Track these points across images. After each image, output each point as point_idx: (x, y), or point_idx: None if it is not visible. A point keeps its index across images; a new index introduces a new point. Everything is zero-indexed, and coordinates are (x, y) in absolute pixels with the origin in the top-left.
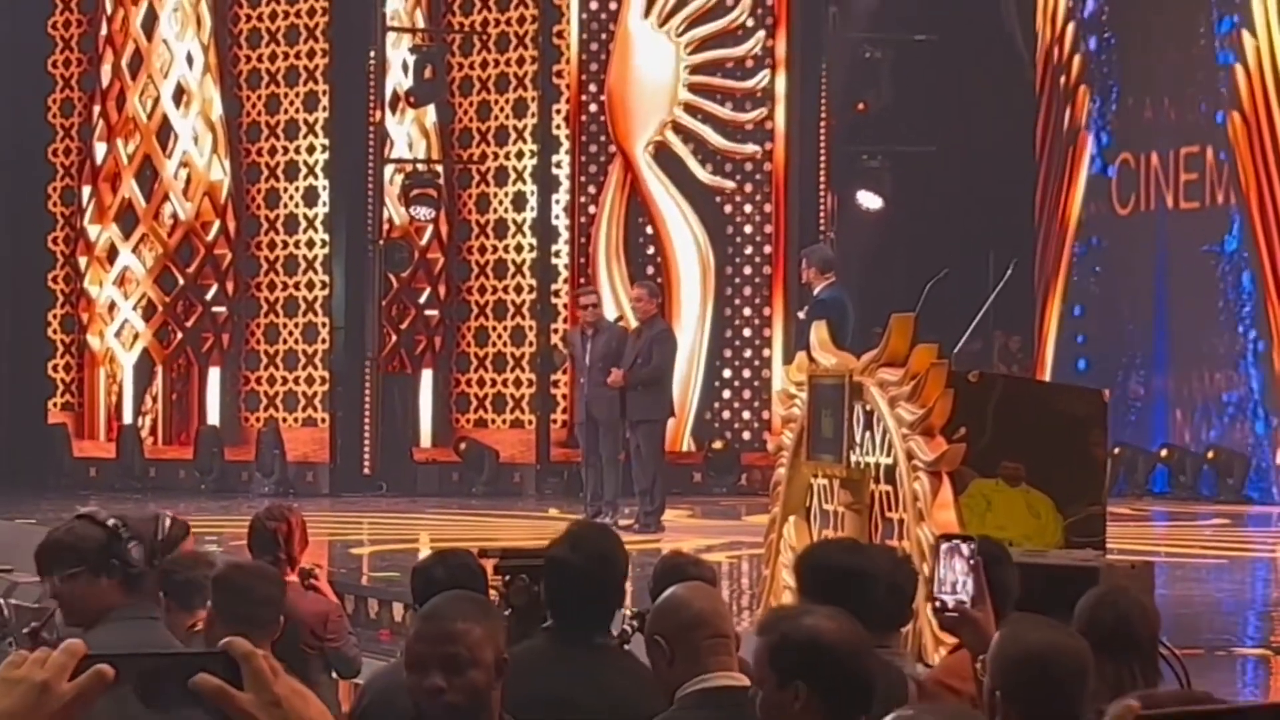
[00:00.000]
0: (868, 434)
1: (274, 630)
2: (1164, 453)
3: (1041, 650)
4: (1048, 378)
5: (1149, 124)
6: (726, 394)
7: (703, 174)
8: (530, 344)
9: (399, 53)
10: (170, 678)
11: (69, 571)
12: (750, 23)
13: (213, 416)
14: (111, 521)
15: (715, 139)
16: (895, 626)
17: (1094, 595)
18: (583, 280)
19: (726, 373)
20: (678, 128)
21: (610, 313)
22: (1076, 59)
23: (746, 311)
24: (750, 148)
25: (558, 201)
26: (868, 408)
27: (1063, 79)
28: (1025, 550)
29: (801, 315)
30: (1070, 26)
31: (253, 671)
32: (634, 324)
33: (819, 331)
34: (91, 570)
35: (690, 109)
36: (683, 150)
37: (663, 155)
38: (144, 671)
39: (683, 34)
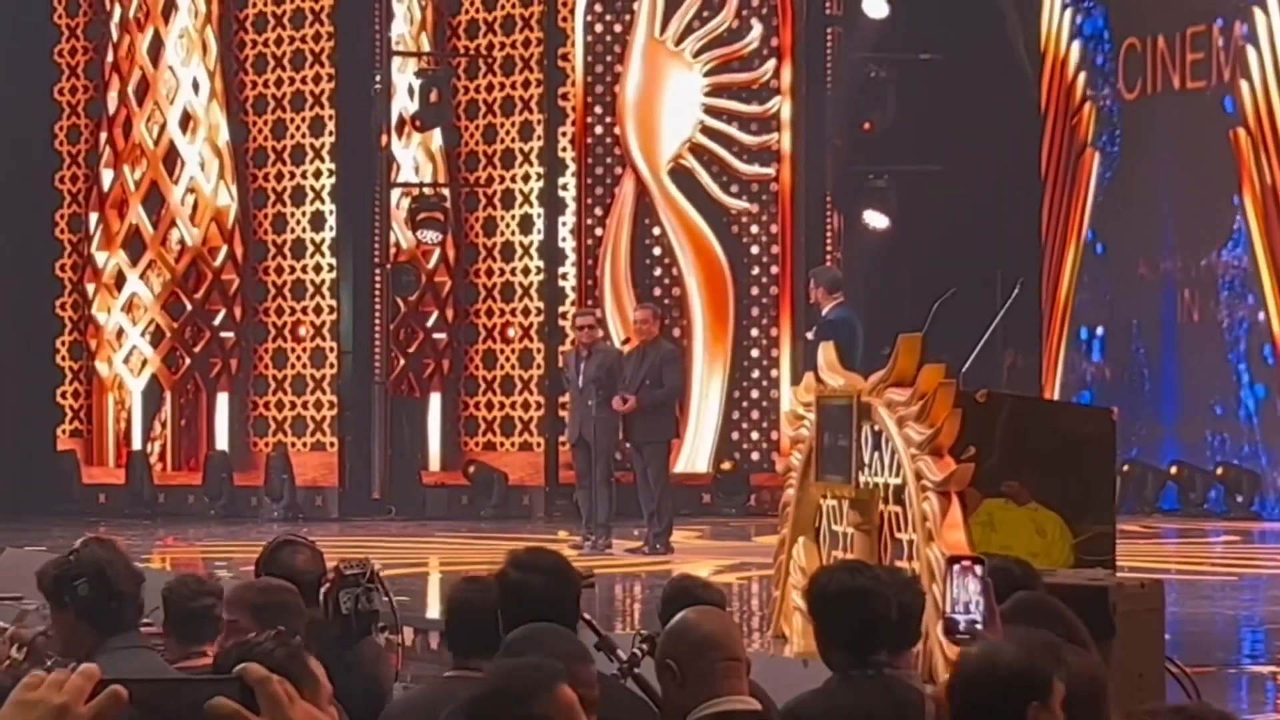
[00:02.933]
0: (876, 454)
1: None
2: (1174, 470)
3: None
4: (1055, 396)
5: (1154, 136)
6: (735, 415)
7: (723, 195)
8: (538, 366)
9: (405, 77)
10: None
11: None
12: (759, 47)
13: (221, 442)
14: (70, 556)
15: (729, 160)
16: (906, 646)
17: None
18: (589, 302)
19: (735, 394)
20: (695, 149)
21: (617, 334)
22: (1081, 76)
23: (754, 332)
24: (761, 169)
25: (564, 224)
26: (876, 428)
27: (1067, 97)
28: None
29: (809, 336)
30: (1075, 44)
31: (268, 696)
32: (633, 345)
33: (827, 352)
34: (54, 605)
35: (707, 131)
36: (701, 171)
37: (680, 176)
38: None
39: (697, 55)
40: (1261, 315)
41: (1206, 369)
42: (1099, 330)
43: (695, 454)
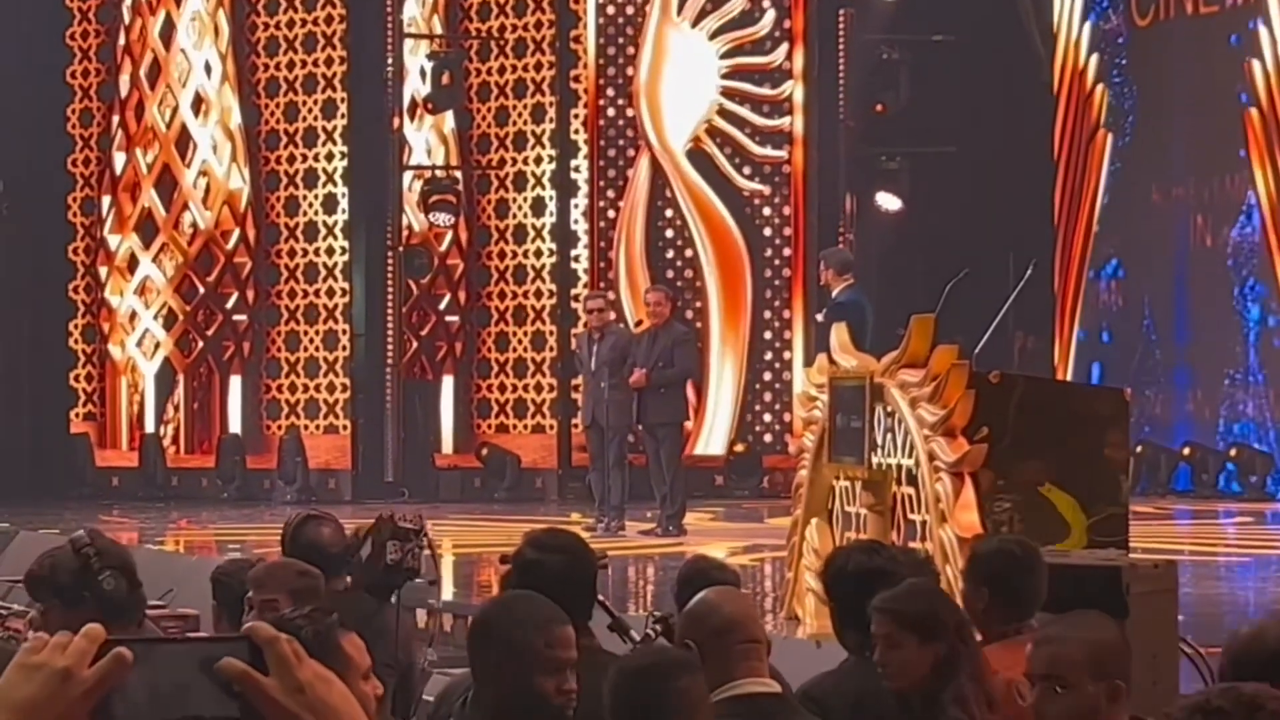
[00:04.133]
0: (889, 436)
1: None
2: (1186, 451)
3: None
4: (1068, 377)
5: (1167, 124)
6: (748, 396)
7: (736, 177)
8: (551, 349)
9: (416, 59)
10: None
11: (46, 605)
12: (773, 30)
13: (234, 425)
14: (87, 550)
15: (744, 141)
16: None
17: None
18: (603, 284)
19: (748, 375)
20: (712, 131)
21: (631, 316)
22: (1094, 58)
23: (767, 314)
24: (774, 151)
25: (576, 206)
26: (889, 409)
27: (1080, 77)
28: (1048, 550)
29: (820, 318)
30: (1087, 26)
31: (277, 656)
32: (645, 327)
33: (839, 334)
34: (65, 604)
35: (723, 113)
36: (717, 153)
37: (697, 157)
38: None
39: (714, 37)
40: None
41: (1220, 349)
42: (1111, 311)
43: (711, 436)
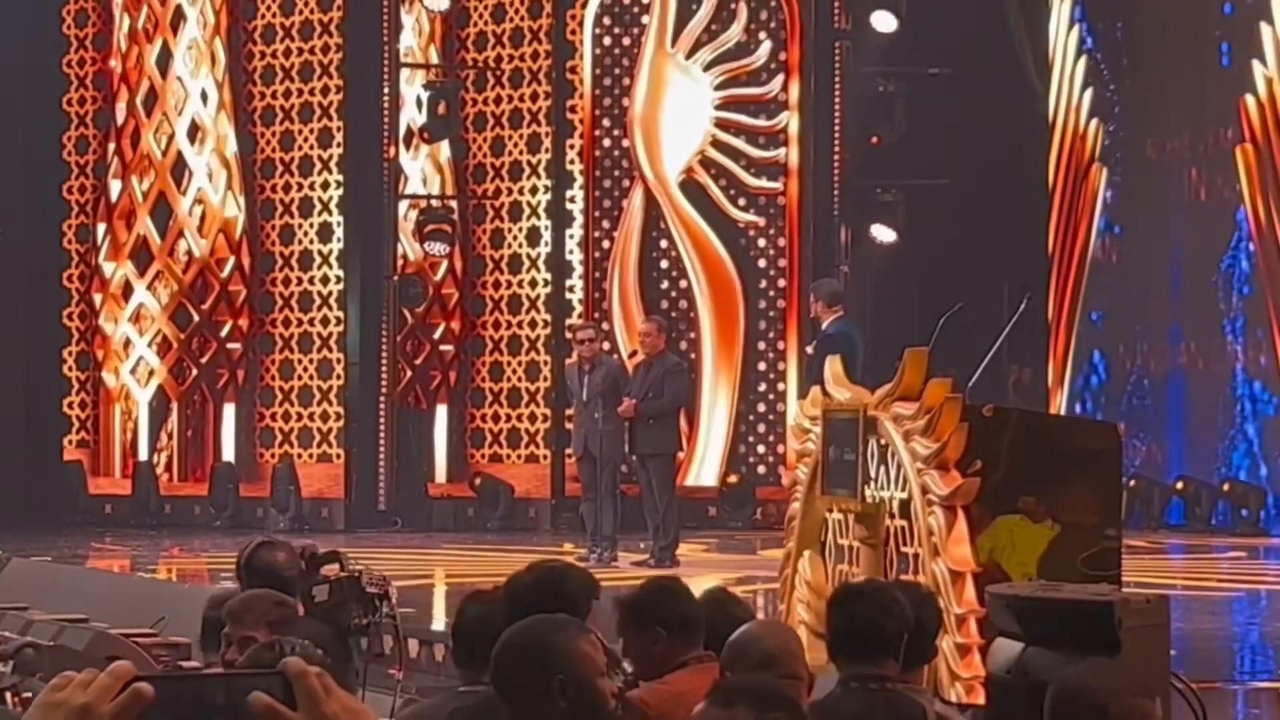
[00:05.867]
0: (882, 468)
1: None
2: (1179, 485)
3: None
4: (1061, 410)
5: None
6: (741, 428)
7: (731, 208)
8: (545, 379)
9: (413, 89)
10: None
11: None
12: (769, 62)
13: (228, 453)
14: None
15: (738, 173)
16: (921, 663)
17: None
18: (597, 315)
19: (741, 407)
20: (706, 162)
21: (624, 346)
22: (1089, 92)
23: (761, 345)
24: (769, 183)
25: (572, 236)
26: (882, 442)
27: (1075, 111)
28: (1041, 584)
29: (809, 350)
30: (1082, 60)
31: (305, 690)
32: (639, 358)
33: (833, 366)
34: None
35: (717, 144)
36: (711, 184)
37: (691, 188)
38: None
39: (708, 69)
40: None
41: (1213, 382)
42: (1104, 343)
43: (703, 467)
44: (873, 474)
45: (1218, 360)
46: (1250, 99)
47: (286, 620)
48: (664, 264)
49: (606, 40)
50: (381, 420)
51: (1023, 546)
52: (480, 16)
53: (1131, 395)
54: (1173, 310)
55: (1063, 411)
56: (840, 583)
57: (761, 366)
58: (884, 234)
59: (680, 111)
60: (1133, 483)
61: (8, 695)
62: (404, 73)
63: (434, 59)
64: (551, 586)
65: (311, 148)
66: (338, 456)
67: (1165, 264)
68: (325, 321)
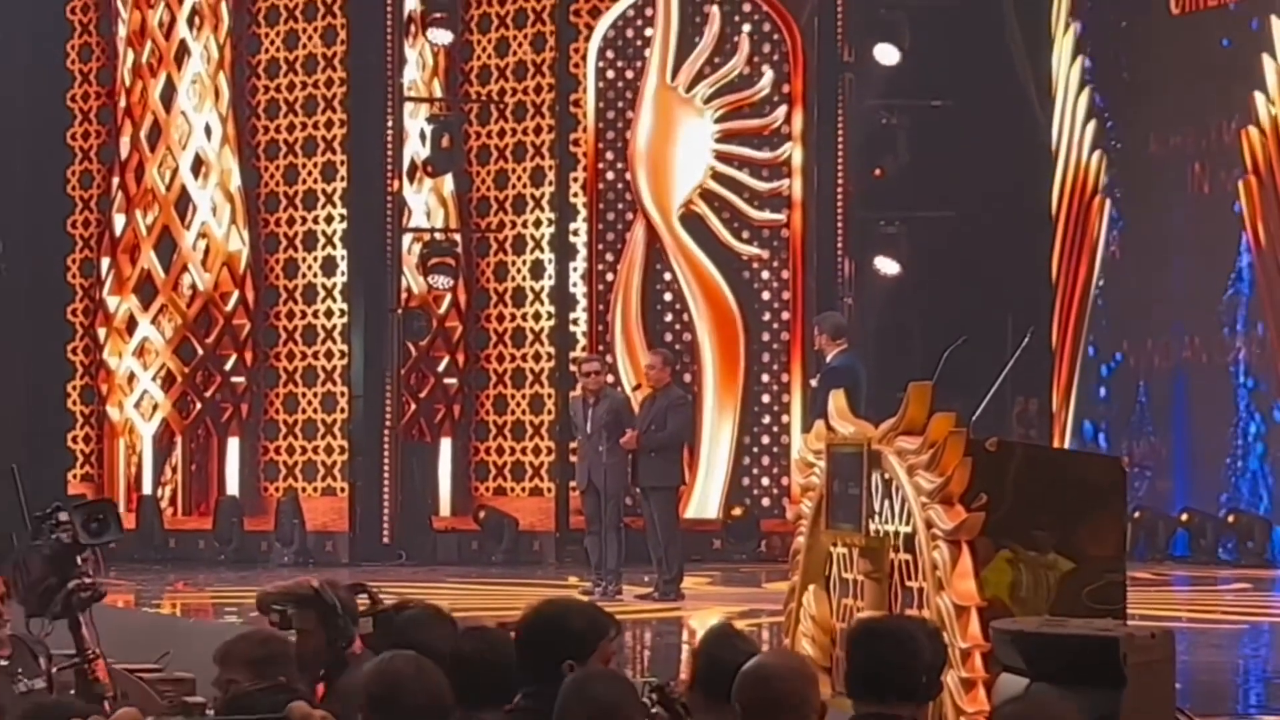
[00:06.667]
0: (887, 503)
1: None
2: (1184, 516)
3: None
4: (1066, 441)
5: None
6: (745, 460)
7: (734, 241)
8: (549, 412)
9: (416, 122)
10: None
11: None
12: (771, 93)
13: (232, 487)
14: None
15: (741, 206)
16: (927, 700)
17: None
18: (600, 348)
19: (745, 439)
20: (706, 195)
21: (628, 379)
22: (1092, 124)
23: (765, 378)
24: (772, 215)
25: (575, 269)
26: (886, 476)
27: (1078, 142)
28: (1045, 620)
29: (814, 383)
30: (1085, 91)
31: None
32: (644, 391)
33: (837, 400)
34: None
35: (718, 176)
36: (711, 217)
37: (690, 221)
38: None
39: (708, 102)
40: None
41: (1218, 413)
42: (1108, 375)
43: (705, 500)
44: (877, 508)
45: (1223, 393)
46: (1254, 131)
47: (271, 657)
48: (667, 296)
49: (610, 74)
50: (386, 453)
51: (1027, 581)
52: (483, 50)
53: (1136, 426)
54: (1177, 340)
55: (1068, 442)
56: (857, 618)
57: (765, 399)
58: (888, 266)
59: (681, 144)
60: (1137, 514)
61: None
62: (407, 106)
63: (437, 92)
64: (555, 625)
65: (315, 181)
66: (342, 490)
67: (1168, 292)
68: (329, 355)
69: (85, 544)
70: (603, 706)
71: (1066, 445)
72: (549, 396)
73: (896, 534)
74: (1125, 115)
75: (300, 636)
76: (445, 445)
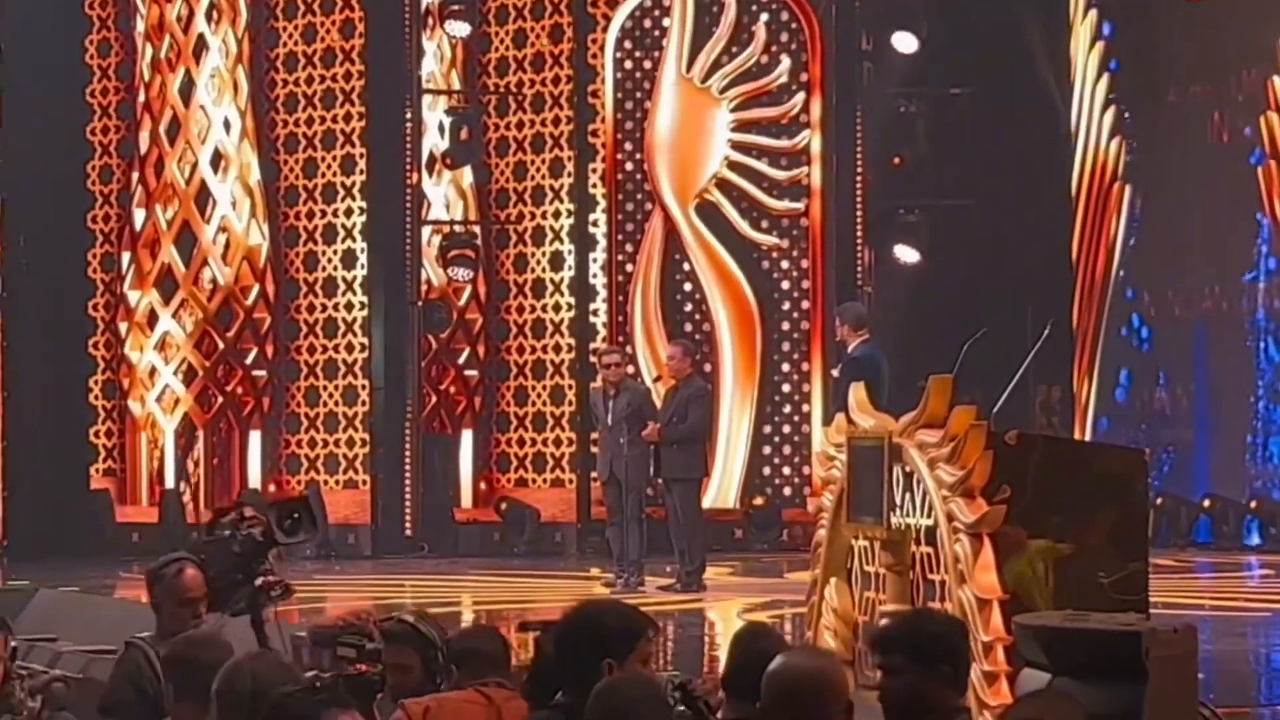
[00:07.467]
0: (908, 496)
1: None
2: (1207, 503)
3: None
4: (1088, 428)
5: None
6: (766, 450)
7: (750, 230)
8: (570, 403)
9: (435, 115)
10: None
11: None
12: (789, 81)
13: (254, 480)
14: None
15: (759, 195)
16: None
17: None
18: (620, 338)
19: (766, 429)
20: (722, 184)
21: (648, 371)
22: (1111, 110)
23: (785, 367)
24: (791, 204)
25: (595, 260)
26: (907, 469)
27: (1097, 128)
28: (1069, 614)
29: (835, 373)
30: (1105, 78)
31: None
32: (666, 383)
33: (857, 393)
34: None
35: (734, 166)
36: (728, 206)
37: (706, 211)
38: None
39: (724, 91)
40: None
41: (1239, 398)
42: (1129, 361)
43: (724, 489)
44: (898, 501)
45: (1244, 376)
46: (1274, 116)
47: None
48: (687, 286)
49: (628, 64)
50: (407, 446)
51: (1050, 573)
52: (501, 42)
53: (1158, 412)
54: (1197, 324)
55: (1089, 430)
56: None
57: (786, 388)
58: (907, 255)
59: (698, 134)
60: (1160, 500)
61: None
62: (426, 99)
63: (455, 85)
64: (595, 624)
65: (335, 174)
66: (364, 483)
67: (1188, 275)
68: (350, 348)
69: (281, 543)
70: (629, 714)
71: (1088, 432)
72: (569, 388)
73: (918, 527)
74: (1143, 101)
75: (396, 672)
76: (466, 437)
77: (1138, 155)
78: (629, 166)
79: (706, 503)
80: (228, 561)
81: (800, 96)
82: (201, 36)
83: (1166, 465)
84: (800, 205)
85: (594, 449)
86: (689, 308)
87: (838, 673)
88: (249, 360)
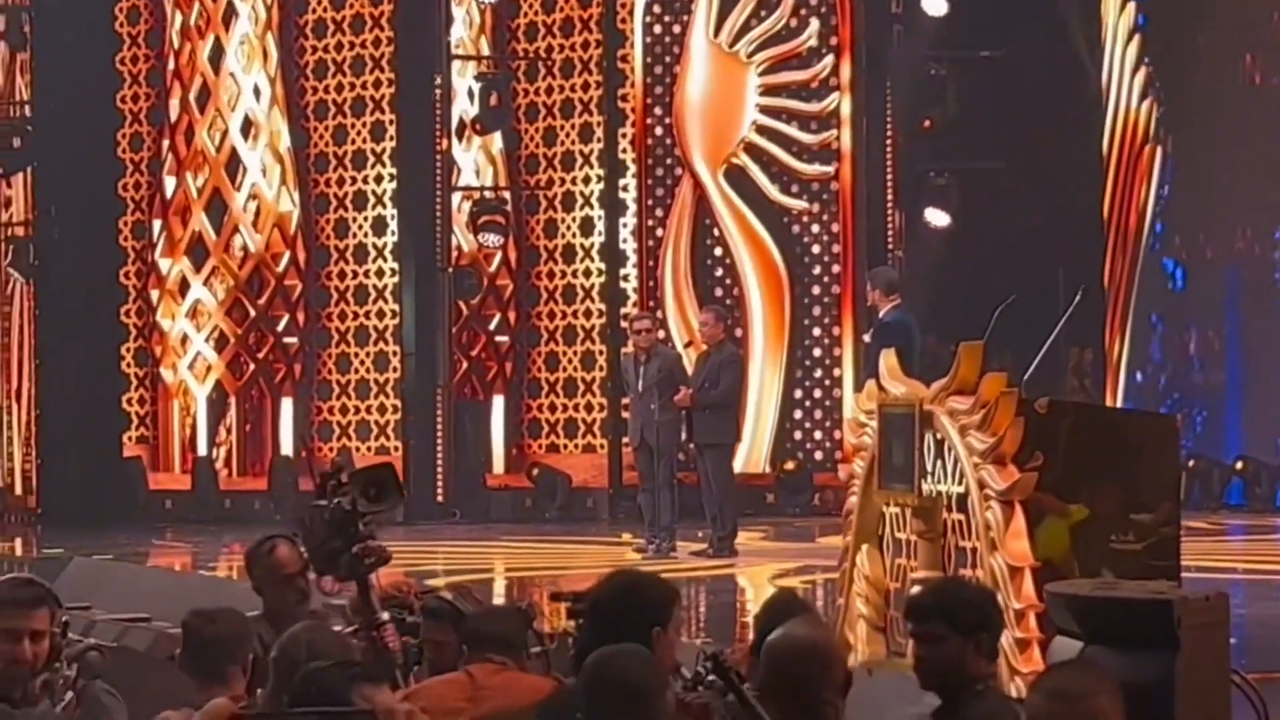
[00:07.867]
0: (939, 463)
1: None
2: (1239, 465)
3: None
4: (1120, 391)
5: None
6: (798, 414)
7: (779, 195)
8: (601, 368)
9: (464, 80)
10: None
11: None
12: (818, 44)
13: (286, 447)
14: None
15: (788, 159)
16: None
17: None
18: (651, 304)
19: (797, 393)
20: (750, 148)
21: (678, 335)
22: (1141, 72)
23: (816, 331)
24: (821, 168)
25: (625, 225)
26: (938, 436)
27: (1128, 90)
28: (1100, 582)
29: (866, 338)
30: (1135, 39)
31: None
32: (698, 348)
33: (887, 359)
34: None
35: (762, 130)
36: (756, 171)
37: (735, 176)
38: None
39: (752, 55)
40: None
41: (1273, 360)
42: (1162, 322)
43: (755, 454)
44: (929, 468)
45: (1276, 321)
46: None
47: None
48: (718, 251)
49: (657, 28)
50: (438, 412)
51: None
52: (530, 7)
53: (1190, 374)
54: (1230, 267)
55: (1122, 386)
56: (934, 582)
57: (817, 353)
58: (938, 218)
59: (727, 98)
60: (1191, 463)
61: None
62: (455, 65)
63: (485, 50)
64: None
65: (364, 141)
66: (395, 449)
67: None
68: (381, 315)
69: (364, 511)
70: (627, 685)
71: (1120, 390)
72: (600, 353)
73: (949, 494)
74: (1172, 61)
75: (433, 648)
76: (498, 403)
77: (1168, 102)
78: (658, 131)
79: (738, 467)
80: (324, 530)
81: (829, 60)
82: (230, 3)
83: (1199, 425)
84: (830, 169)
85: (625, 414)
86: (719, 272)
87: (836, 645)
88: (280, 327)
